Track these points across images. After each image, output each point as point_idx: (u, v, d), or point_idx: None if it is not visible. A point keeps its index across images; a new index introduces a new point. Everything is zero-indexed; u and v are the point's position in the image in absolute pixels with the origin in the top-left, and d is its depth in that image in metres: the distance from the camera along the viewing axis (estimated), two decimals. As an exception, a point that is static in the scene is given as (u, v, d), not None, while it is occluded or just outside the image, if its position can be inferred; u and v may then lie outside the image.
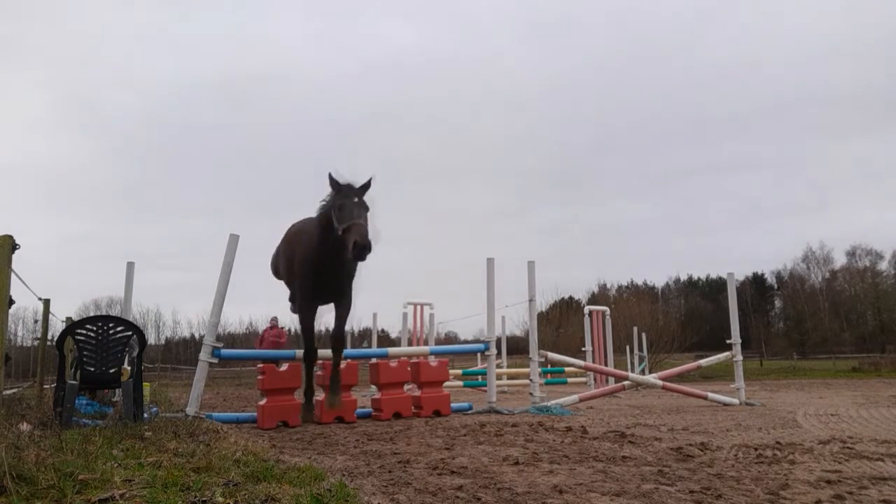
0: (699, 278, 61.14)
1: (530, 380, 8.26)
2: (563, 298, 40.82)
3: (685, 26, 65.55)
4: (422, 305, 13.76)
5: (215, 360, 6.36)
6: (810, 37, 64.33)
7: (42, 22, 61.14)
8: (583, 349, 13.87)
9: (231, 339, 39.64)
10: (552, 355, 8.79)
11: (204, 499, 2.34)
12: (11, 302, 4.75)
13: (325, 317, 10.06)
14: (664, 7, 65.24)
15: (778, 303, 57.15)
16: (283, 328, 13.78)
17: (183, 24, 67.39)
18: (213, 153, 65.57)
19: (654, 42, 65.05)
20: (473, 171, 71.74)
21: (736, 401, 8.50)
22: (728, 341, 8.98)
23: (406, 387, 7.29)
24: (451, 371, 10.60)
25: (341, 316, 6.20)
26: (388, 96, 70.01)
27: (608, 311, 14.46)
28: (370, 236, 5.27)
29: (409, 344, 13.17)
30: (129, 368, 5.62)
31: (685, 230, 70.60)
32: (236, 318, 46.46)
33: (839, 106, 63.47)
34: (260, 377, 6.38)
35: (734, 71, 64.93)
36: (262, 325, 46.97)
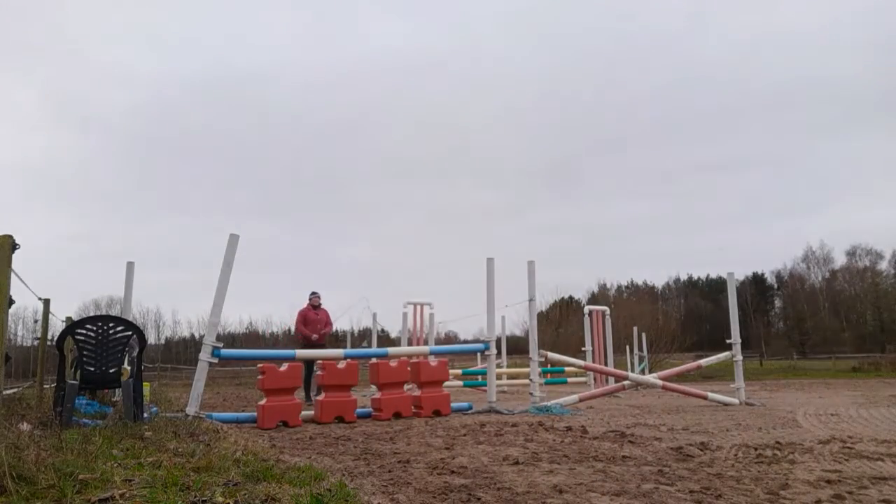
0: (699, 278, 61.23)
1: (530, 380, 8.27)
2: (563, 298, 40.93)
3: (683, 22, 65.51)
4: (422, 305, 13.78)
5: (215, 360, 6.36)
6: (811, 29, 63.96)
7: (38, 21, 61.14)
8: (583, 349, 13.88)
9: (231, 339, 39.69)
10: (552, 355, 8.80)
11: (204, 499, 2.34)
12: (11, 302, 4.74)
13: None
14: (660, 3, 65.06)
15: (778, 303, 57.20)
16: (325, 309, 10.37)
17: (182, 23, 67.41)
18: (212, 152, 65.57)
19: (653, 38, 65.01)
20: (473, 170, 71.76)
21: (736, 401, 8.50)
22: (728, 341, 8.98)
23: (406, 387, 7.30)
24: (451, 371, 10.61)
25: None
26: (387, 95, 70.00)
27: (608, 311, 14.46)
28: None
29: (409, 344, 13.18)
30: (129, 368, 5.62)
31: (685, 230, 70.59)
32: (236, 318, 46.50)
33: (840, 103, 63.34)
34: (260, 377, 6.39)
35: (732, 67, 64.92)
36: (262, 325, 47.18)
